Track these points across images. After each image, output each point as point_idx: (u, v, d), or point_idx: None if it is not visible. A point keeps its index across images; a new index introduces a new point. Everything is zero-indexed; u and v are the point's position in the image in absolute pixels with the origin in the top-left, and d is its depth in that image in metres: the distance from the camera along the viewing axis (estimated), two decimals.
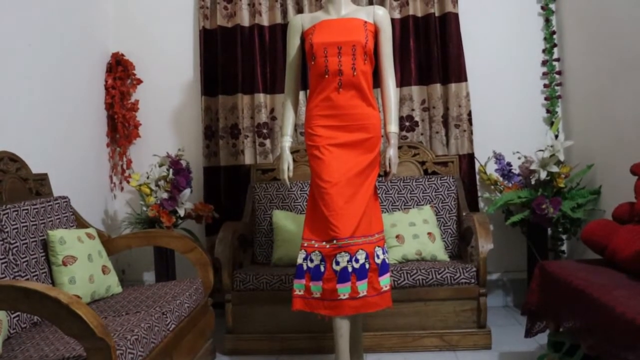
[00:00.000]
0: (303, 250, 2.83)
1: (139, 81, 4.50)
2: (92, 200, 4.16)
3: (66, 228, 3.11)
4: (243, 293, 3.57)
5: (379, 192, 3.89)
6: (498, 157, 4.13)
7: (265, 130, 4.34)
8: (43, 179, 3.31)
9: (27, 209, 2.85)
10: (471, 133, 4.23)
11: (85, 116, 4.11)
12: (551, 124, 4.29)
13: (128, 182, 4.32)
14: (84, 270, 2.88)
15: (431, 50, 4.24)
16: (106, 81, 4.37)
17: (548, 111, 4.34)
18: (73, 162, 3.89)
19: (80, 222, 3.31)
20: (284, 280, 3.50)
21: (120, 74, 4.40)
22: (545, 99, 4.36)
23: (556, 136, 4.02)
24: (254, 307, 3.56)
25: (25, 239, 2.78)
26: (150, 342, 2.44)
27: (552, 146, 3.86)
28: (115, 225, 4.45)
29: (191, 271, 3.45)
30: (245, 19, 4.36)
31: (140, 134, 4.51)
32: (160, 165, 4.07)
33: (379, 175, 3.08)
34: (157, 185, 4.02)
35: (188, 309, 2.98)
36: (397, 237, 3.73)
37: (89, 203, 4.04)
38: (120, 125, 4.38)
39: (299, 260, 2.83)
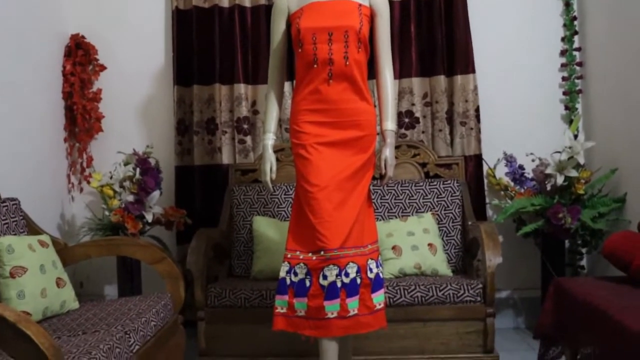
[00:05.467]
0: (286, 262, 2.83)
1: (102, 67, 4.49)
2: (47, 203, 4.13)
3: (15, 234, 3.08)
4: (218, 310, 3.56)
5: (373, 197, 3.89)
6: (509, 159, 4.14)
7: (245, 126, 4.34)
8: None
9: None
10: (479, 131, 4.25)
11: (40, 107, 4.08)
12: (570, 122, 4.30)
13: (88, 182, 4.30)
14: (35, 283, 2.85)
15: (435, 37, 4.25)
16: (64, 67, 4.34)
17: (567, 108, 4.37)
18: (25, 159, 3.86)
19: (32, 228, 3.28)
20: (265, 295, 3.50)
21: (80, 58, 4.37)
22: (564, 93, 4.37)
23: (575, 136, 4.04)
24: (231, 326, 3.55)
25: None
26: None
27: (570, 147, 3.87)
28: (72, 231, 4.42)
29: (159, 285, 3.44)
30: None
31: (103, 128, 4.49)
32: (126, 164, 4.05)
33: (374, 178, 3.08)
34: (121, 187, 4.00)
35: (155, 328, 2.97)
36: (393, 248, 3.73)
37: (43, 206, 4.01)
38: (80, 117, 4.35)
39: (282, 274, 2.83)
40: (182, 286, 3.30)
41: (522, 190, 4.09)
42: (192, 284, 3.56)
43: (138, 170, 3.99)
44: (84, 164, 4.47)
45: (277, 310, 2.82)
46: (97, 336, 2.56)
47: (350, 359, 3.11)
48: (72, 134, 4.43)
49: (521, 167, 4.13)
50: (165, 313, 3.14)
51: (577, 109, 4.36)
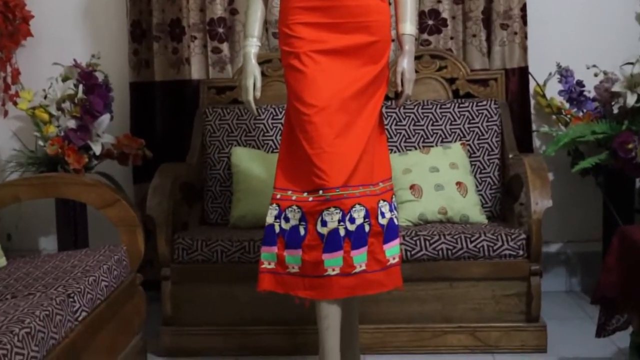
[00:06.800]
0: (275, 205, 2.84)
1: None
2: None
3: None
4: (188, 267, 3.60)
5: (386, 122, 3.89)
6: (564, 74, 4.14)
7: (221, 30, 4.32)
8: None
9: None
10: (525, 37, 4.23)
11: None
12: None
13: (15, 103, 4.29)
14: None
15: None
16: None
17: None
18: None
19: None
20: (247, 248, 3.54)
21: None
22: None
23: None
24: (203, 287, 3.60)
25: None
26: (49, 337, 2.43)
27: None
28: None
29: (111, 235, 3.46)
30: None
31: (33, 32, 4.45)
32: (65, 80, 4.05)
33: (387, 98, 3.08)
34: (59, 109, 4.00)
35: (106, 290, 2.98)
36: (411, 187, 3.76)
37: None
38: (1, 17, 4.30)
39: (269, 220, 2.85)
40: (142, 236, 3.32)
41: (581, 114, 4.09)
42: (154, 234, 3.58)
43: (81, 87, 3.98)
44: (9, 80, 4.45)
45: (263, 266, 2.84)
46: (31, 300, 2.56)
47: (356, 327, 3.15)
48: None
49: (580, 83, 4.12)
50: (120, 271, 3.16)
51: None
